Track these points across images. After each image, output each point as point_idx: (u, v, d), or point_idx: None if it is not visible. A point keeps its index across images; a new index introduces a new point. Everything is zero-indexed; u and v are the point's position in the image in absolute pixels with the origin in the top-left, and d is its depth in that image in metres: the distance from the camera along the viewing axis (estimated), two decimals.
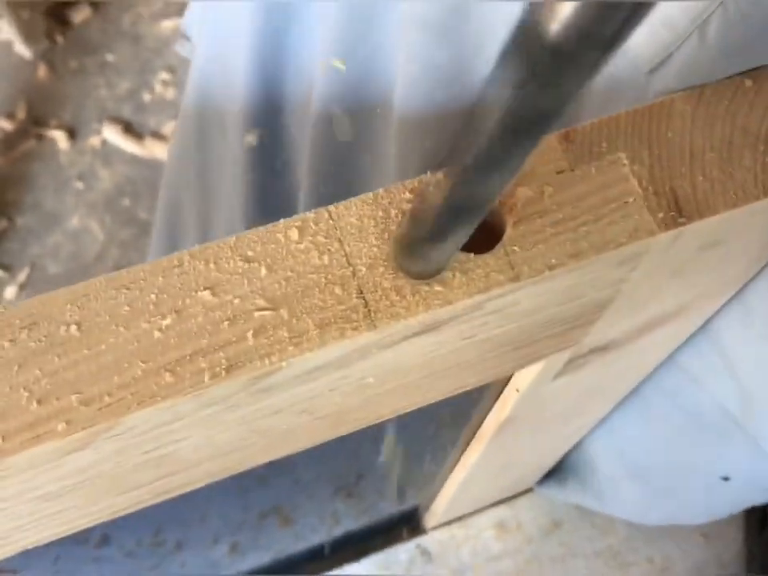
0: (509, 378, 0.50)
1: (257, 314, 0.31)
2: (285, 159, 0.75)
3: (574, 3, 0.19)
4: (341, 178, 0.66)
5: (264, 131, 0.72)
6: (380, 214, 0.33)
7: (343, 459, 0.71)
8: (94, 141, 1.54)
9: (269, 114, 0.71)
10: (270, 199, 0.77)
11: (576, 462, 0.81)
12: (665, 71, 0.40)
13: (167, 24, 1.63)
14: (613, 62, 0.41)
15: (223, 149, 0.78)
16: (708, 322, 0.51)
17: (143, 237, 1.48)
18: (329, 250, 0.32)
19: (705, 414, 0.58)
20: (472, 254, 0.33)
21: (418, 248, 0.31)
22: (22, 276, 1.43)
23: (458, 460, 0.67)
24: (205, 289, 0.31)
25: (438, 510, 0.85)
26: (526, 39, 0.21)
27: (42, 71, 1.57)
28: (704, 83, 0.37)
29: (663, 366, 0.58)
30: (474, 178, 0.27)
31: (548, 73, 0.21)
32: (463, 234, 0.30)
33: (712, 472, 0.64)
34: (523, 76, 0.22)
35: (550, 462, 0.80)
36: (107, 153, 1.54)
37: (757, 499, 0.67)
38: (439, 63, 0.50)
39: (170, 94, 1.58)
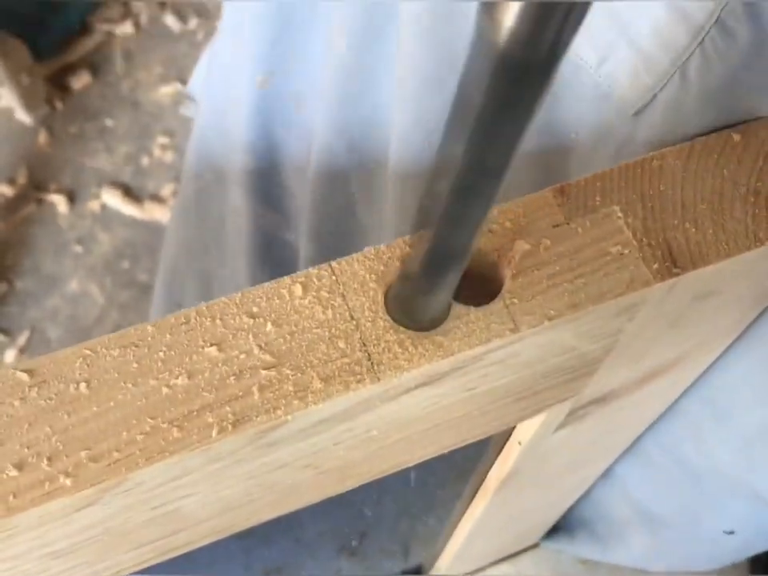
0: (511, 431, 0.50)
1: (262, 369, 0.32)
2: (285, 216, 0.76)
3: (516, 7, 0.21)
4: (341, 233, 0.67)
5: (264, 189, 0.74)
6: (381, 268, 0.33)
7: (346, 517, 0.71)
8: (94, 205, 1.55)
9: (269, 173, 0.72)
10: (271, 256, 0.78)
11: (582, 512, 0.80)
12: (650, 114, 0.41)
13: (165, 90, 1.66)
14: (598, 108, 0.42)
15: (224, 208, 0.79)
16: (704, 374, 0.52)
17: (143, 299, 1.49)
18: (332, 304, 0.33)
19: (705, 468, 0.58)
20: (472, 307, 0.33)
21: (411, 302, 0.32)
22: (21, 339, 1.44)
23: (461, 515, 0.67)
24: (211, 345, 0.32)
25: (442, 567, 0.84)
26: (481, 56, 0.22)
27: (42, 137, 1.60)
28: (694, 137, 0.38)
29: (662, 419, 0.59)
30: (445, 232, 0.28)
31: (503, 88, 0.22)
32: (449, 286, 0.31)
33: (716, 527, 0.64)
34: (480, 98, 0.23)
35: (554, 515, 0.80)
36: (106, 216, 1.55)
37: (763, 547, 0.66)
38: (431, 112, 0.51)
39: (168, 157, 1.60)
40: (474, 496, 0.62)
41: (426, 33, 0.49)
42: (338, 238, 0.67)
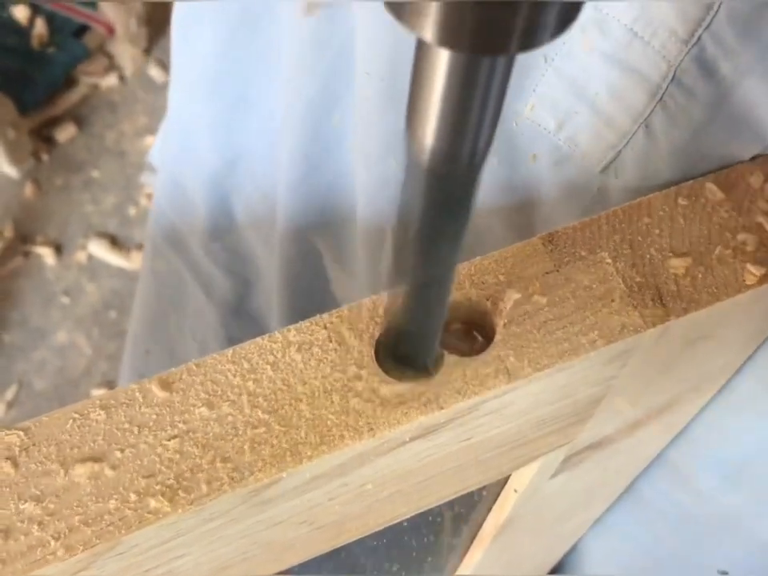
0: (506, 479, 0.50)
1: (254, 426, 0.32)
2: (253, 275, 0.76)
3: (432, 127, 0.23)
4: (313, 292, 0.67)
5: (227, 250, 0.74)
6: (370, 322, 0.33)
7: (339, 566, 0.70)
8: (80, 256, 1.55)
9: (230, 233, 0.73)
10: (242, 314, 0.78)
11: (572, 562, 0.80)
12: (619, 169, 0.41)
13: (150, 140, 1.67)
14: (558, 169, 0.43)
15: (189, 271, 0.79)
16: (696, 417, 0.52)
17: None
18: (325, 359, 0.33)
19: (699, 509, 0.58)
20: (465, 357, 0.33)
21: (400, 355, 0.33)
22: (9, 394, 1.42)
23: (457, 566, 0.67)
24: (202, 405, 0.32)
25: None
26: (413, 165, 0.25)
27: (28, 190, 1.60)
28: (671, 178, 0.38)
29: (656, 462, 0.58)
30: (416, 293, 0.30)
31: (436, 197, 0.25)
32: (431, 339, 0.32)
33: (709, 566, 0.63)
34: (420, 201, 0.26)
35: (549, 562, 0.79)
36: (93, 267, 1.55)
37: None
38: (393, 171, 0.52)
39: None
40: (470, 545, 0.62)
41: (384, 94, 0.49)
42: (309, 297, 0.67)
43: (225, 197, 0.70)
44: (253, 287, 0.78)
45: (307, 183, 0.60)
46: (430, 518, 0.60)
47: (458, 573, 0.69)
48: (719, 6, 0.35)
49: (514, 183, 0.45)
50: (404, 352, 0.32)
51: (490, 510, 0.55)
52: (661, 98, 0.38)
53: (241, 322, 0.79)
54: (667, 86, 0.38)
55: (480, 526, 0.58)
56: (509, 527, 0.56)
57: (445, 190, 0.25)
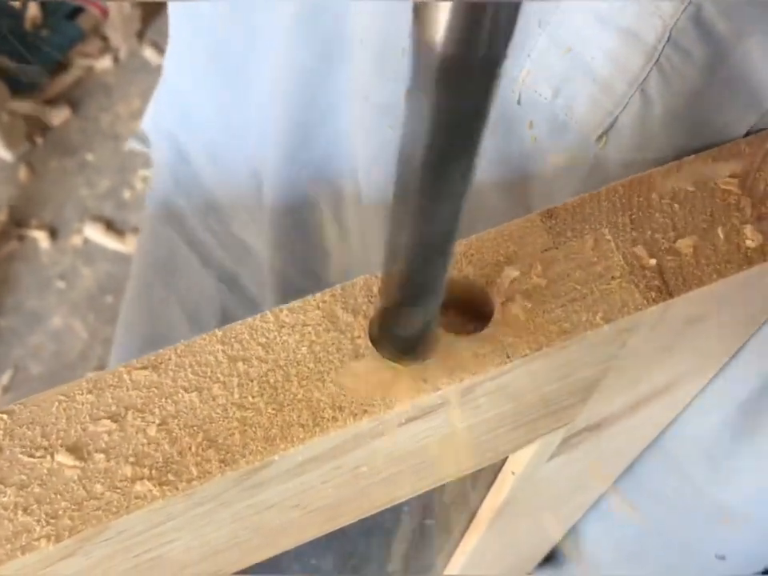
0: (504, 461, 0.49)
1: (245, 408, 0.31)
2: (244, 251, 0.75)
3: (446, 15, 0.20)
4: (308, 267, 0.66)
5: (221, 222, 0.73)
6: (364, 300, 0.33)
7: (334, 550, 0.70)
8: (76, 239, 1.54)
9: (227, 204, 0.72)
10: (237, 285, 0.78)
11: (570, 546, 0.79)
12: (616, 137, 0.40)
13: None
14: (556, 136, 0.42)
15: (186, 237, 0.79)
16: (690, 403, 0.51)
17: None
18: (317, 340, 0.32)
19: (694, 495, 0.57)
20: (462, 336, 0.32)
21: (394, 335, 0.31)
22: (5, 378, 1.42)
23: (455, 548, 0.66)
24: (191, 387, 0.31)
25: None
26: (421, 62, 0.21)
27: (22, 173, 1.59)
28: (670, 159, 0.37)
29: (651, 447, 0.58)
30: (414, 267, 0.27)
31: (452, 90, 0.21)
32: (429, 318, 0.30)
33: (707, 551, 0.63)
34: (432, 101, 0.22)
35: (547, 546, 0.78)
36: (89, 251, 1.54)
37: (755, 570, 0.65)
38: (391, 140, 0.51)
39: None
40: (467, 528, 0.61)
41: (377, 62, 0.48)
42: (305, 271, 0.66)
43: (223, 170, 0.69)
44: (245, 263, 0.77)
45: (302, 152, 0.59)
46: (426, 501, 0.59)
47: (453, 558, 0.69)
48: None
49: (510, 154, 0.44)
50: (399, 333, 0.31)
51: (487, 493, 0.54)
52: (657, 60, 0.37)
53: (235, 291, 0.78)
54: (663, 47, 0.37)
55: (476, 510, 0.57)
56: (506, 510, 0.55)
57: (457, 97, 0.21)
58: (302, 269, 0.66)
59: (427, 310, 0.30)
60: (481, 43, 0.20)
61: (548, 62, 0.40)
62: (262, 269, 0.72)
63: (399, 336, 0.31)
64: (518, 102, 0.42)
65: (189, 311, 0.82)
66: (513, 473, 0.49)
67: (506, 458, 0.48)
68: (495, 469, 0.50)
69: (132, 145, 1.58)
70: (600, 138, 0.40)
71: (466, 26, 0.20)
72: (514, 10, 0.20)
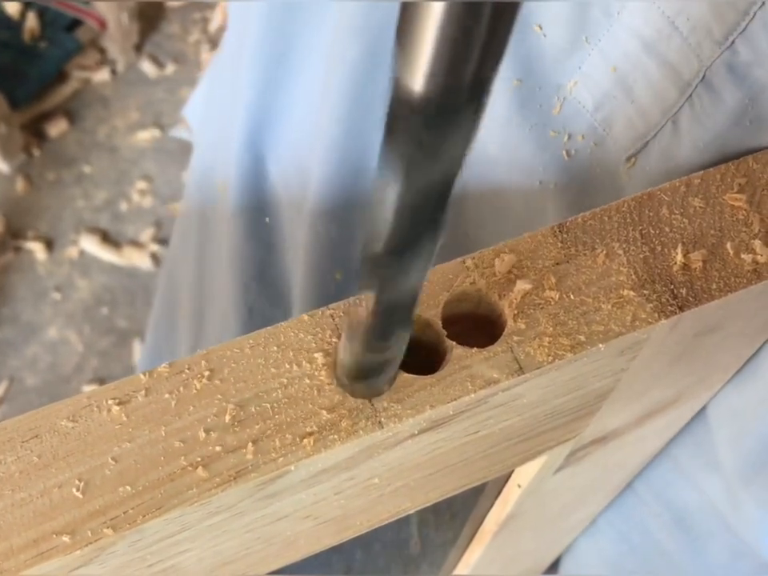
0: (510, 474, 0.49)
1: (262, 418, 0.31)
2: (279, 240, 0.75)
3: (427, 55, 0.18)
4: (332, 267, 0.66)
5: (254, 210, 0.73)
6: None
7: (335, 562, 0.69)
8: (72, 251, 1.54)
9: (264, 203, 0.72)
10: (264, 280, 0.78)
11: (564, 563, 0.79)
12: (643, 159, 0.42)
13: (143, 135, 1.66)
14: (594, 148, 0.42)
15: (221, 231, 0.79)
16: (697, 415, 0.51)
17: (122, 345, 1.47)
18: (333, 351, 0.32)
19: (692, 510, 0.58)
20: (474, 349, 0.33)
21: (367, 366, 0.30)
22: (0, 390, 1.41)
23: (458, 561, 0.66)
24: (209, 395, 0.31)
25: None
26: (398, 106, 0.20)
27: (19, 185, 1.59)
28: (690, 173, 0.38)
29: (654, 460, 0.58)
30: (393, 270, 0.25)
31: (427, 135, 0.20)
32: (404, 333, 0.29)
33: (704, 571, 0.63)
34: (407, 148, 0.21)
35: (549, 559, 0.78)
36: (85, 263, 1.54)
37: None
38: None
39: (147, 202, 1.60)
40: (471, 541, 0.61)
41: None
42: (331, 267, 0.66)
43: (260, 157, 0.69)
44: (276, 252, 0.76)
45: (343, 148, 0.59)
46: (430, 513, 0.59)
47: (456, 571, 0.69)
48: (755, 13, 0.35)
49: (542, 160, 0.45)
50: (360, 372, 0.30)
51: (492, 505, 0.54)
52: (689, 96, 0.38)
53: (261, 287, 0.78)
54: (696, 85, 0.38)
55: (481, 522, 0.57)
56: (511, 523, 0.55)
57: (440, 129, 0.20)
58: (330, 267, 0.66)
59: (389, 358, 0.29)
60: (465, 79, 0.19)
61: (595, 77, 0.41)
62: (293, 262, 0.72)
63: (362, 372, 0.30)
64: (559, 111, 0.43)
65: (218, 311, 0.82)
66: (519, 485, 0.49)
67: (513, 471, 0.48)
68: (501, 481, 0.51)
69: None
70: (629, 158, 0.41)
71: (450, 60, 0.18)
72: (502, 43, 0.19)
